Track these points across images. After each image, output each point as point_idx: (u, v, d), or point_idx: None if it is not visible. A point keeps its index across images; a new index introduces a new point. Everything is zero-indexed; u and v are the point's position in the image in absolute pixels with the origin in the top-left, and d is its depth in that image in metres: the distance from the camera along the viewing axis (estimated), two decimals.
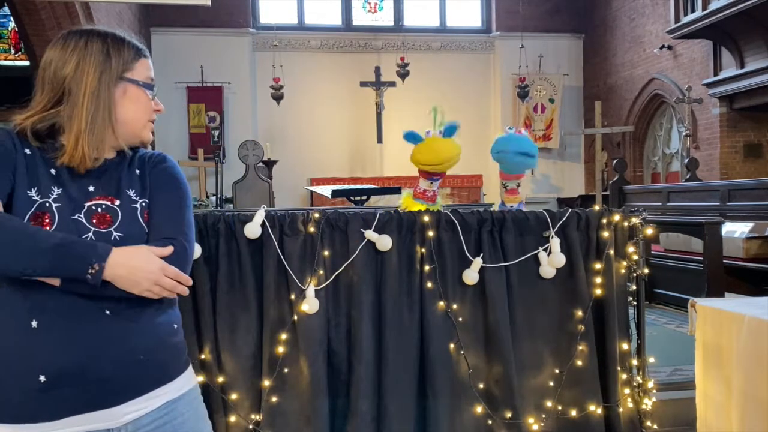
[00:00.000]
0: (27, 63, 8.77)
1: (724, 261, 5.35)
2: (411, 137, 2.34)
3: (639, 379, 2.47)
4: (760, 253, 5.74)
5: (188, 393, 1.34)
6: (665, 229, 6.07)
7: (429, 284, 2.28)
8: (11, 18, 9.19)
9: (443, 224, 2.32)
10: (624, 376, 2.42)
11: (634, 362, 2.48)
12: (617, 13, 11.73)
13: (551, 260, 2.35)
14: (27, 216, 1.22)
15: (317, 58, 12.21)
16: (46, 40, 8.00)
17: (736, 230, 5.94)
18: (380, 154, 12.14)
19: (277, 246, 2.20)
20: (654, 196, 7.84)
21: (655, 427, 2.44)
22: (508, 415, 2.29)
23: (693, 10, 8.81)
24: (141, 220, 1.31)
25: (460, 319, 2.30)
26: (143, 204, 1.33)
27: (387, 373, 2.23)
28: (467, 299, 2.33)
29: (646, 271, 2.52)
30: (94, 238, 1.24)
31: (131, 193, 1.33)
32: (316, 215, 2.25)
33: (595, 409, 2.36)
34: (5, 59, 10.28)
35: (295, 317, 2.19)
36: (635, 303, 2.50)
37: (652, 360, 2.53)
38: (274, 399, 2.18)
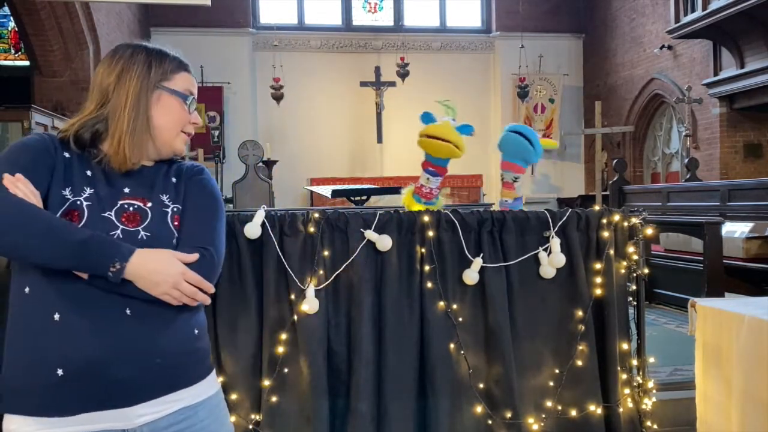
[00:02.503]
0: (27, 63, 8.76)
1: (724, 261, 5.35)
2: (427, 118, 2.40)
3: (639, 379, 2.47)
4: (760, 253, 5.74)
5: (209, 399, 1.35)
6: (665, 229, 6.06)
7: (429, 284, 2.28)
8: (11, 18, 9.18)
9: (443, 224, 2.32)
10: (624, 376, 2.42)
11: (634, 362, 2.48)
12: (617, 13, 11.73)
13: (551, 260, 2.35)
14: (59, 213, 1.26)
15: (317, 58, 12.21)
16: (46, 40, 8.01)
17: (736, 230, 5.94)
18: (380, 154, 12.14)
19: (277, 246, 2.20)
20: (654, 196, 7.84)
21: (655, 427, 2.44)
22: (508, 415, 2.29)
23: (693, 10, 8.81)
24: (170, 224, 1.34)
25: (460, 319, 2.30)
26: (175, 209, 1.36)
27: (387, 373, 2.23)
28: (467, 299, 2.33)
29: (646, 271, 2.51)
30: (121, 236, 1.27)
31: (164, 197, 1.36)
32: (316, 215, 2.24)
33: (595, 409, 2.36)
34: (5, 59, 10.27)
35: (295, 317, 2.19)
36: (635, 303, 2.50)
37: (652, 360, 2.53)
38: (274, 399, 2.18)
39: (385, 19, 12.75)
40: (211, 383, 1.38)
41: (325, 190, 7.55)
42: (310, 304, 2.17)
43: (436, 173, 2.42)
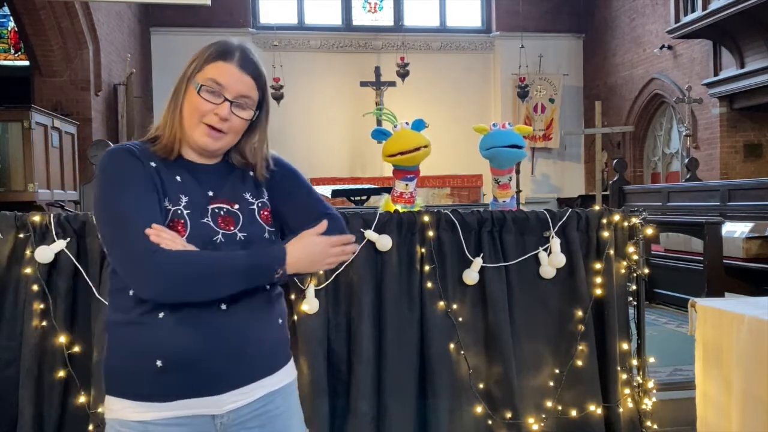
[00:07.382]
0: (27, 63, 8.75)
1: (724, 261, 5.35)
2: (379, 134, 2.42)
3: (639, 379, 2.47)
4: (760, 253, 5.74)
5: (286, 386, 1.44)
6: (665, 229, 6.07)
7: (429, 284, 2.28)
8: (11, 18, 9.17)
9: (443, 224, 2.32)
10: (624, 376, 2.42)
11: (634, 362, 2.48)
12: (617, 13, 11.73)
13: (551, 260, 2.35)
14: (165, 223, 1.31)
15: (317, 58, 12.20)
16: (46, 40, 7.99)
17: (736, 230, 5.93)
18: (380, 154, 12.11)
19: None
20: (654, 196, 7.84)
21: (655, 427, 2.44)
22: (508, 415, 2.29)
23: (693, 10, 8.80)
24: (259, 220, 1.42)
25: (460, 319, 2.30)
26: (259, 204, 1.44)
27: (387, 373, 2.23)
28: (467, 299, 2.33)
29: (646, 271, 2.52)
30: (223, 240, 1.36)
31: (247, 195, 1.43)
32: None
33: (595, 409, 2.36)
34: (5, 59, 10.25)
35: (295, 317, 2.19)
36: (635, 303, 2.50)
37: (652, 360, 2.53)
38: None
39: (385, 19, 12.74)
40: (289, 371, 1.46)
41: (325, 190, 7.54)
42: (310, 304, 2.17)
43: (413, 177, 2.43)
